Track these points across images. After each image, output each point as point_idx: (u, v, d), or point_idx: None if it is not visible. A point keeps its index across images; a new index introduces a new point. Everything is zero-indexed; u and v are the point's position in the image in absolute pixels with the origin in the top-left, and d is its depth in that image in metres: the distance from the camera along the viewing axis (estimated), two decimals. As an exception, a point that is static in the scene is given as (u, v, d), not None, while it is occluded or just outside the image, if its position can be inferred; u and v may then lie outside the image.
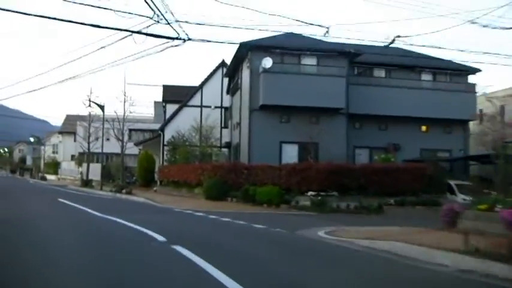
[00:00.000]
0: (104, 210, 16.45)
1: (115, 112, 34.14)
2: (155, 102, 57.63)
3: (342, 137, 26.55)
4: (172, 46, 13.35)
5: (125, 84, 36.78)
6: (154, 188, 32.16)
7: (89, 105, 37.75)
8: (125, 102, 32.72)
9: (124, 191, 29.00)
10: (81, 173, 47.75)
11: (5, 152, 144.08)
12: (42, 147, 78.41)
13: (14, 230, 10.70)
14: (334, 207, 20.53)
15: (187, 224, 14.25)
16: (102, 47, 16.30)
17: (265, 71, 25.17)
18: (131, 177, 39.48)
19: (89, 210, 16.47)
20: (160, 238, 9.39)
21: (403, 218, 16.42)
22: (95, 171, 41.74)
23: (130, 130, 59.59)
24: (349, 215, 19.25)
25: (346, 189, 21.99)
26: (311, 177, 22.38)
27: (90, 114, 40.22)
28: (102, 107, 35.47)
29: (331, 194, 22.23)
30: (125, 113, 33.19)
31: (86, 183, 39.28)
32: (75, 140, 64.47)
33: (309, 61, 26.87)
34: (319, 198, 21.47)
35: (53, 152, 73.42)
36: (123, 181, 32.23)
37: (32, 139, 64.69)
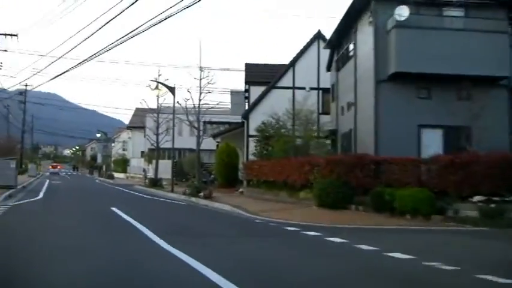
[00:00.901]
0: (176, 233, 10.02)
1: (185, 100, 27.75)
2: (232, 92, 51.99)
3: (502, 117, 18.64)
4: None
5: (201, 57, 30.14)
6: (240, 190, 25.45)
7: (156, 87, 31.80)
8: (200, 80, 26.18)
9: (202, 194, 22.45)
10: (144, 171, 42.09)
11: (77, 150, 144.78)
12: (112, 144, 74.74)
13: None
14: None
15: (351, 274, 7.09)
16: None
17: (399, 24, 17.71)
18: (208, 176, 33.10)
19: (151, 235, 9.66)
20: None
21: None
22: (165, 168, 35.98)
23: (204, 123, 54.01)
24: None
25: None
26: (478, 175, 14.86)
27: (158, 98, 34.31)
28: (172, 89, 29.32)
29: (509, 199, 14.65)
30: (201, 92, 26.70)
31: (155, 182, 33.39)
32: (145, 136, 59.59)
33: (455, 13, 19.10)
34: (492, 205, 14.05)
35: (123, 149, 69.22)
36: (199, 181, 25.67)
37: (98, 135, 60.11)
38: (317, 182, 17.21)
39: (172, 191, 28.18)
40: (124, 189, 31.98)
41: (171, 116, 31.58)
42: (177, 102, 29.09)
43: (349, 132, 21.79)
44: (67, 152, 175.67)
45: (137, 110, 63.06)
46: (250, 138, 28.92)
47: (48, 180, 43.39)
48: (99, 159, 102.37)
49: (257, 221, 14.02)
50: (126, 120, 72.75)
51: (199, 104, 26.41)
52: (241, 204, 18.58)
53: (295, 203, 18.51)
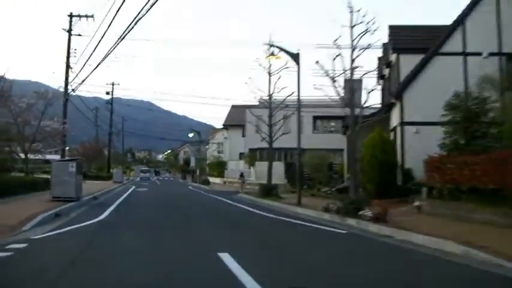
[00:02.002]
0: None
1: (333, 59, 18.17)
2: (346, 80, 42.10)
3: None
4: None
5: None
6: (416, 203, 15.49)
7: (271, 54, 22.76)
8: (352, 28, 16.61)
9: (367, 213, 12.80)
10: (242, 175, 33.15)
11: (170, 154, 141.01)
12: (206, 146, 67.33)
13: None
14: None
15: None
16: None
17: None
18: (340, 180, 23.35)
19: None
20: None
21: None
22: (276, 172, 26.82)
23: (315, 118, 44.81)
24: None
25: None
26: None
27: (270, 73, 25.28)
28: (295, 56, 19.95)
29: None
30: (353, 47, 17.17)
31: (268, 191, 24.18)
32: (243, 135, 51.15)
33: None
34: None
35: (218, 152, 61.41)
36: (355, 191, 15.65)
37: (191, 134, 52.25)
38: None
39: (299, 203, 18.79)
40: (226, 200, 23.17)
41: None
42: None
43: None
44: (160, 157, 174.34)
45: (233, 107, 54.97)
46: (409, 127, 19.24)
47: (133, 187, 35.90)
48: (193, 163, 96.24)
49: None
50: (218, 124, 65.42)
51: (351, 70, 16.69)
52: (466, 236, 8.68)
53: None
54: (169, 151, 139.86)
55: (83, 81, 29.97)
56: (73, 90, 29.78)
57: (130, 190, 31.28)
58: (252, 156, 40.35)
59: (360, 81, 30.95)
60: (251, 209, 18.39)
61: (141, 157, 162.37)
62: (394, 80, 24.32)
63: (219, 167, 49.88)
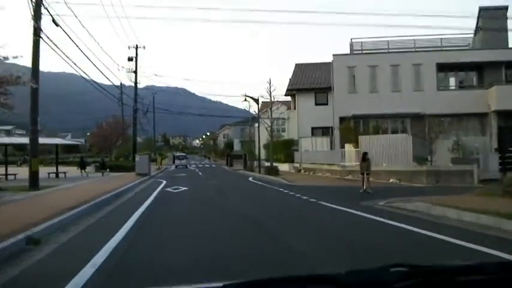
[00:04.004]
0: None
1: None
2: (482, 8, 28.00)
3: None
4: None
5: None
6: None
7: None
8: None
9: None
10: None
11: (207, 139, 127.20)
12: (255, 125, 52.46)
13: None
14: None
15: None
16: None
17: None
18: None
19: None
20: None
21: None
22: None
23: (440, 67, 29.51)
24: None
25: None
26: None
27: None
28: None
29: None
30: None
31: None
32: (317, 102, 36.13)
33: None
34: None
35: (278, 130, 46.69)
36: None
37: (244, 103, 36.16)
38: None
39: None
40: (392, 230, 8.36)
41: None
42: None
43: None
44: (196, 142, 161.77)
45: (298, 67, 40.00)
46: None
47: (162, 185, 21.70)
48: (237, 146, 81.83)
49: None
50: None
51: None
52: None
53: None
54: (208, 133, 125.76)
55: None
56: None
57: (155, 193, 16.96)
58: (347, 128, 25.42)
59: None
60: None
61: (175, 143, 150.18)
62: None
63: (285, 148, 35.02)
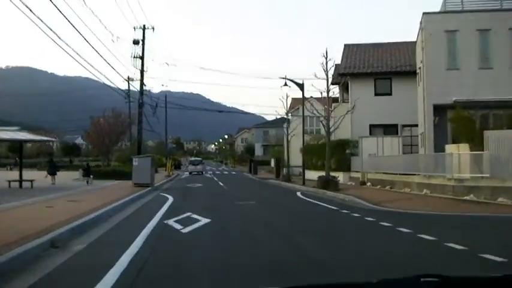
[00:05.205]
0: None
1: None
2: None
3: None
4: None
5: None
6: None
7: None
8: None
9: None
10: None
11: (223, 144, 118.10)
12: (284, 126, 43.33)
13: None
14: None
15: None
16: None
17: None
18: None
19: None
20: None
21: None
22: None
23: None
24: None
25: None
26: None
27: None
28: None
29: None
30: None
31: None
32: (376, 92, 27.06)
33: None
34: None
35: (312, 131, 37.55)
36: None
37: (284, 88, 26.30)
38: None
39: None
40: None
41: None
42: None
43: None
44: (211, 147, 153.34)
45: (348, 48, 30.83)
46: None
47: (170, 200, 12.87)
48: (259, 151, 72.51)
49: None
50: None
51: None
52: None
53: None
54: (226, 137, 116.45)
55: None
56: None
57: (137, 242, 8.07)
58: (463, 118, 16.17)
59: None
60: None
61: (190, 148, 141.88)
62: None
63: (337, 152, 25.70)
